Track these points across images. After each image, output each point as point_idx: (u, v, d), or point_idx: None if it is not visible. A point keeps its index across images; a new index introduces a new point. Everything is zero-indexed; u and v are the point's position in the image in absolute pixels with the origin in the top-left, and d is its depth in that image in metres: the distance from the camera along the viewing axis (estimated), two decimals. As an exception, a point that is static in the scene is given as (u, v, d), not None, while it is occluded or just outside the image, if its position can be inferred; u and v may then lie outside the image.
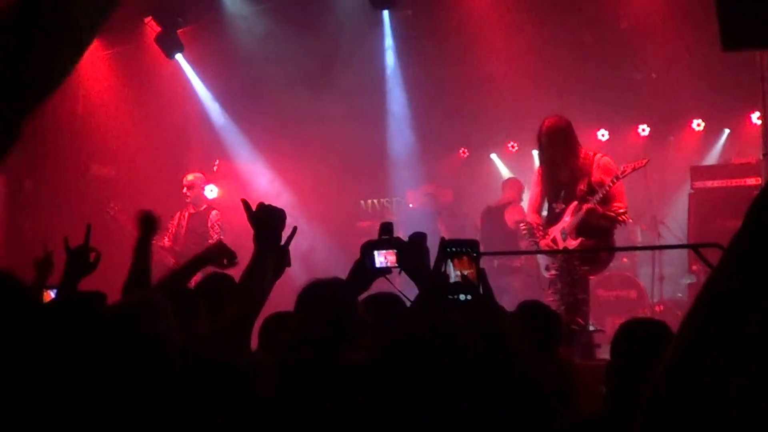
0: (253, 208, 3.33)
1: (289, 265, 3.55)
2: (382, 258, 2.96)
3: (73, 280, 4.21)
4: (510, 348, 2.52)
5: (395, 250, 2.95)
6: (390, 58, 11.95)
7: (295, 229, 3.61)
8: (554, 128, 7.26)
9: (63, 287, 4.16)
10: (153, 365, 2.87)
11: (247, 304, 3.23)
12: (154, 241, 5.24)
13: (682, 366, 1.13)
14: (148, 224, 4.73)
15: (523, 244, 8.68)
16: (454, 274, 2.63)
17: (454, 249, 2.67)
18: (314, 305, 3.49)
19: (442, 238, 2.72)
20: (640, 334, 3.43)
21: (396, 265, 2.95)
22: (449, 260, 2.67)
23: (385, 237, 3.00)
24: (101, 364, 2.85)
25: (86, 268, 4.29)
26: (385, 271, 2.99)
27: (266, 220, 3.31)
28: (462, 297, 2.60)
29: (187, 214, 9.96)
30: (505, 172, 13.50)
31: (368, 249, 2.98)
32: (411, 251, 2.92)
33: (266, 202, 3.36)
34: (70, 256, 4.28)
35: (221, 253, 4.59)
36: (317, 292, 3.62)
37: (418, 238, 2.92)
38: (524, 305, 4.36)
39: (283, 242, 3.54)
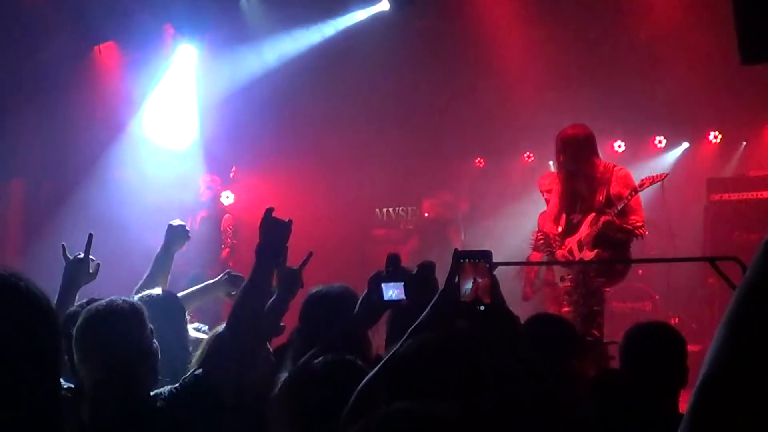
0: (267, 214, 3.34)
1: (302, 286, 3.68)
2: (390, 290, 2.95)
3: (71, 288, 4.22)
4: (524, 356, 2.52)
5: (402, 283, 2.94)
6: (406, 65, 11.89)
7: (310, 254, 3.67)
8: (574, 138, 7.23)
9: (61, 295, 4.15)
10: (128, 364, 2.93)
11: (243, 318, 3.19)
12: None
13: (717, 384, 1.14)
14: (176, 235, 4.76)
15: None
16: (467, 284, 2.62)
17: (467, 259, 2.66)
18: (318, 318, 3.54)
19: (456, 249, 2.70)
20: (648, 337, 3.55)
21: (404, 297, 2.94)
22: (462, 270, 2.66)
23: (391, 269, 2.98)
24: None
25: (85, 277, 4.32)
26: (395, 303, 2.98)
27: (272, 233, 3.30)
28: (478, 306, 2.60)
29: (199, 218, 9.97)
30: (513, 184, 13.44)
31: (376, 282, 2.96)
32: (418, 284, 2.91)
33: (273, 211, 3.36)
34: (68, 265, 4.31)
35: (232, 286, 4.59)
36: (322, 303, 3.66)
37: (426, 269, 2.91)
38: (539, 317, 4.35)
39: (298, 266, 3.62)
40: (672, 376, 3.43)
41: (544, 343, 3.44)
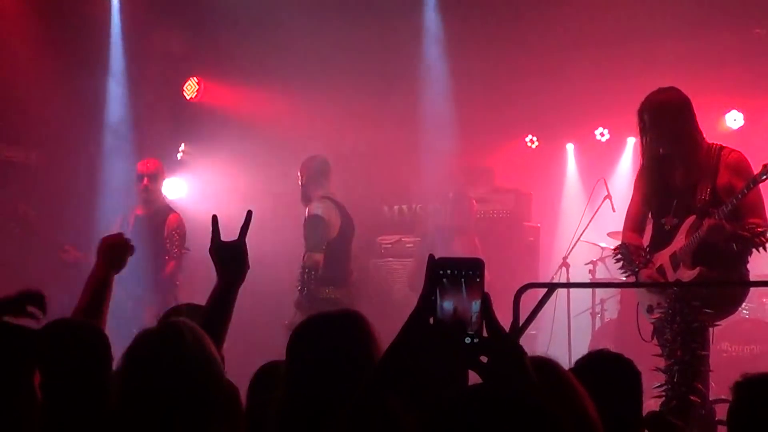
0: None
1: (248, 267, 3.89)
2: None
3: None
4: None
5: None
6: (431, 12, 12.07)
7: (249, 214, 3.91)
8: (666, 107, 7.05)
9: None
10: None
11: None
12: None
13: None
14: (115, 254, 4.82)
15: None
16: (445, 305, 2.57)
17: (448, 271, 2.58)
18: (314, 357, 3.47)
19: (431, 256, 2.60)
20: (763, 395, 3.51)
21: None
22: (443, 287, 2.58)
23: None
24: None
25: None
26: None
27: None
28: (467, 339, 2.54)
29: (132, 218, 10.01)
30: (572, 171, 13.65)
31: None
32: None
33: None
34: None
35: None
36: (315, 332, 3.54)
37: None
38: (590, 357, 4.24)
39: (237, 238, 3.87)
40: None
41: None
